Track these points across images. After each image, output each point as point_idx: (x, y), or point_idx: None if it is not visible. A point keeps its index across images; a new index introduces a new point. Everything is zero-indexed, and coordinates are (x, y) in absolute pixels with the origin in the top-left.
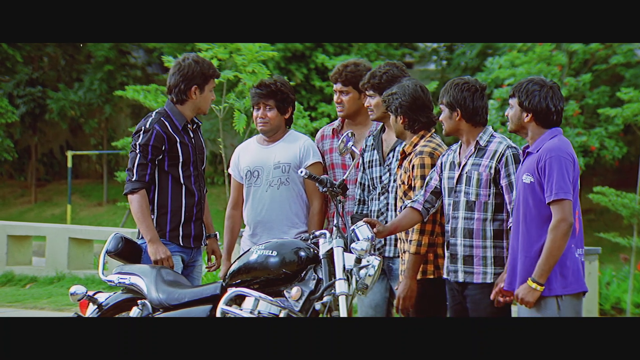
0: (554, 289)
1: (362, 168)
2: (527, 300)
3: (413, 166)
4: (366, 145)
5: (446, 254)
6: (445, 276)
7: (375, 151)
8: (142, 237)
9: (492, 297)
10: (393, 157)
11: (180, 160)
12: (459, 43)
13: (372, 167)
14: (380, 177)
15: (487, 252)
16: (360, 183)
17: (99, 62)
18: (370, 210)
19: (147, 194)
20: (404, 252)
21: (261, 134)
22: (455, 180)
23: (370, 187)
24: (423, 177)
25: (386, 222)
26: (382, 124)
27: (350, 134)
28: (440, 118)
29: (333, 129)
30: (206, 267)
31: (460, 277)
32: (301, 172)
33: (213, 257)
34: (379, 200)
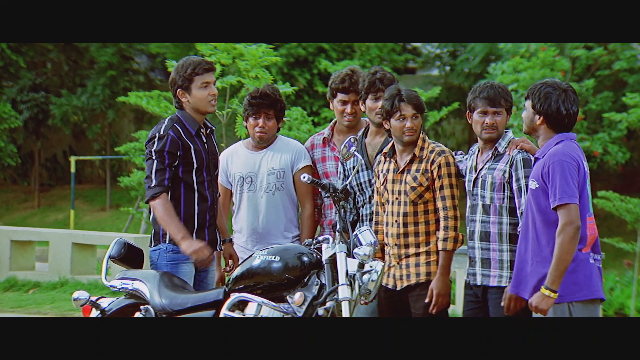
0: (564, 295)
1: (342, 174)
2: (542, 309)
3: (439, 165)
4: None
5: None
6: (465, 278)
7: (360, 156)
8: (152, 244)
9: (502, 304)
10: None
11: (194, 167)
12: (462, 50)
13: (358, 172)
14: (369, 180)
15: (503, 255)
16: None
17: (102, 67)
18: (362, 215)
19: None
20: (400, 257)
21: (257, 142)
22: (472, 184)
23: (358, 192)
24: (449, 175)
25: (377, 224)
26: (364, 128)
27: (352, 139)
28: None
29: (324, 138)
30: (224, 271)
31: (479, 280)
32: (304, 177)
33: (230, 261)
34: (370, 204)
